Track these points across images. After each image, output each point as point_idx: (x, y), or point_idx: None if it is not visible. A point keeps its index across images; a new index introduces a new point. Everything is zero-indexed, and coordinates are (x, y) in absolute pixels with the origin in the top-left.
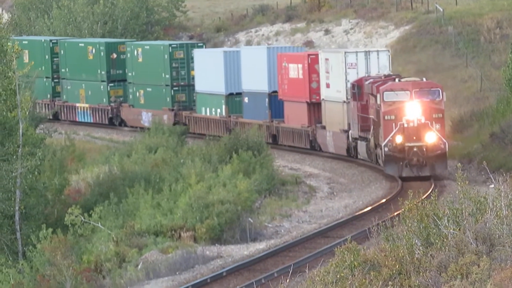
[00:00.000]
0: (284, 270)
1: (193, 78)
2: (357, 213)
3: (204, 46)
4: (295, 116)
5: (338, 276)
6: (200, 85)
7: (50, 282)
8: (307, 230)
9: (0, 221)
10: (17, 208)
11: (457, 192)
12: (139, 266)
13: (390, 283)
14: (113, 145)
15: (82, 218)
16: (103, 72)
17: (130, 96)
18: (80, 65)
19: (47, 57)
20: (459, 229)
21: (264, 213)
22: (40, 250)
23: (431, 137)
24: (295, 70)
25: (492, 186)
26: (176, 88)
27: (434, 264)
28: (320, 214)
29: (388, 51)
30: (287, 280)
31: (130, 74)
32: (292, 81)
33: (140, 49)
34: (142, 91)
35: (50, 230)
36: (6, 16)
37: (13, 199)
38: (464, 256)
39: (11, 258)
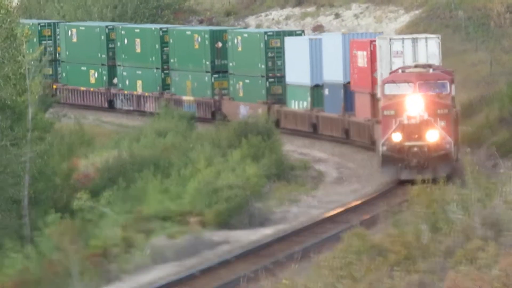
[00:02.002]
0: (291, 255)
1: None
2: (365, 199)
3: (302, 33)
4: (362, 109)
5: (345, 261)
6: (290, 76)
7: (57, 267)
8: (315, 215)
9: (8, 206)
10: (25, 193)
11: (465, 177)
12: (146, 252)
13: (396, 268)
14: (123, 130)
15: (90, 203)
16: (207, 62)
17: (231, 88)
18: (187, 55)
19: (157, 46)
20: (466, 215)
21: (272, 198)
22: (47, 235)
23: (433, 136)
24: (362, 58)
25: (502, 171)
26: (272, 79)
27: (441, 250)
28: (329, 199)
29: (438, 37)
30: (294, 266)
31: (230, 64)
32: (360, 70)
33: (239, 37)
34: (241, 83)
35: (58, 215)
36: (16, 0)
37: (21, 183)
38: (471, 242)
39: (18, 244)
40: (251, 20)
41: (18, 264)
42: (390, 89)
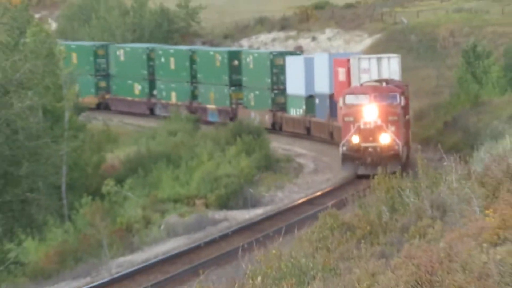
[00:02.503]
0: (277, 230)
1: None
2: (336, 186)
3: (301, 54)
4: None
5: (321, 235)
6: (290, 89)
7: (90, 240)
8: (297, 199)
9: (50, 190)
10: (63, 180)
11: (417, 169)
12: (161, 227)
13: (362, 241)
14: (141, 130)
15: (116, 188)
16: (226, 77)
17: (245, 99)
18: (211, 71)
19: (187, 64)
20: (418, 199)
21: (262, 185)
22: (82, 214)
23: (385, 139)
24: (342, 74)
25: (445, 163)
26: (276, 91)
27: (398, 227)
28: (308, 185)
29: (398, 57)
30: (280, 239)
31: (244, 79)
32: (340, 83)
33: (251, 57)
34: (252, 94)
35: (90, 198)
36: (54, 25)
37: (60, 173)
38: (422, 220)
39: (59, 221)
40: (244, 42)
41: (58, 237)
42: (350, 99)
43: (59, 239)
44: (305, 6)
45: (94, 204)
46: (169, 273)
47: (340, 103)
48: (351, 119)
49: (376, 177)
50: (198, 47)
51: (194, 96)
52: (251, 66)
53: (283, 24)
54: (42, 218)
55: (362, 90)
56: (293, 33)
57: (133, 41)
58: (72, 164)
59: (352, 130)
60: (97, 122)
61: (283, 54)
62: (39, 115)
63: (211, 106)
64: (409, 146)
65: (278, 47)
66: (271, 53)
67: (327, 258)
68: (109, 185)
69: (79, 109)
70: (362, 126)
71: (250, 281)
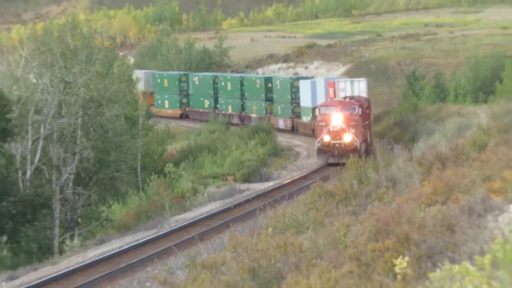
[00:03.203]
0: (286, 196)
1: None
2: (322, 166)
3: (312, 78)
4: None
5: (312, 200)
6: (302, 102)
7: (157, 204)
8: (295, 175)
9: (130, 171)
10: (138, 163)
11: (376, 154)
12: (204, 195)
13: (340, 203)
14: (190, 129)
15: (174, 169)
16: (263, 95)
17: (275, 109)
18: (253, 91)
19: (238, 86)
20: (377, 174)
21: (271, 166)
22: (151, 187)
23: (347, 137)
24: (331, 91)
25: (395, 151)
26: (295, 104)
27: (363, 194)
28: (303, 166)
29: (365, 79)
30: (285, 202)
31: (274, 96)
32: (330, 98)
33: (278, 81)
34: (279, 106)
35: (156, 175)
36: (132, 60)
37: (137, 159)
38: (380, 189)
39: (135, 191)
40: (259, 70)
41: (135, 202)
42: (323, 110)
43: (136, 203)
44: (300, 46)
45: (159, 180)
46: (210, 226)
47: (317, 112)
48: (324, 123)
49: (349, 160)
50: (245, 74)
51: (243, 108)
52: (278, 87)
53: (285, 58)
54: (125, 189)
55: (332, 103)
56: (292, 64)
57: (184, 70)
58: (144, 153)
59: (325, 131)
60: (161, 124)
61: (298, 79)
62: (122, 120)
63: (253, 115)
64: (369, 142)
65: (282, 73)
66: (291, 78)
67: (316, 215)
68: (169, 167)
69: (148, 116)
70: (331, 129)
71: (264, 231)
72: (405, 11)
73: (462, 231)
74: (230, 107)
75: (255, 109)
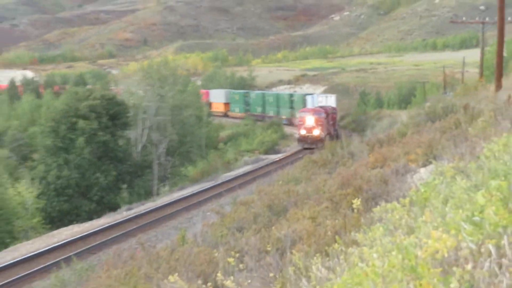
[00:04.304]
0: (289, 162)
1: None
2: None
3: (313, 94)
4: None
5: (304, 165)
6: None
7: (213, 167)
8: (294, 151)
9: (197, 147)
10: (203, 143)
11: (342, 139)
12: (241, 162)
13: (321, 167)
14: (235, 123)
15: (224, 146)
16: (288, 104)
17: (294, 113)
18: (284, 102)
19: (275, 99)
20: (342, 150)
21: (281, 144)
22: (210, 156)
23: (316, 132)
24: (317, 103)
25: (352, 137)
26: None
27: (334, 161)
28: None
29: (335, 95)
30: (288, 166)
31: (294, 105)
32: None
33: (295, 96)
34: (297, 111)
35: (212, 150)
36: (199, 83)
37: (202, 140)
38: (344, 159)
39: (201, 159)
40: (274, 89)
41: (201, 165)
42: (301, 114)
43: (201, 166)
44: (297, 75)
45: (215, 153)
46: (245, 179)
47: (297, 115)
48: (302, 122)
49: (326, 142)
50: (278, 92)
51: (278, 112)
52: (295, 100)
53: (289, 82)
54: (195, 158)
55: (307, 110)
56: (293, 85)
57: (228, 88)
58: (206, 136)
59: (302, 127)
60: (216, 120)
61: (306, 95)
62: (193, 117)
63: (283, 117)
64: (332, 134)
65: (287, 91)
66: (302, 94)
67: (306, 174)
68: (221, 145)
69: (209, 115)
70: (305, 126)
71: (276, 183)
72: (358, 55)
73: (392, 183)
74: (271, 112)
75: (284, 113)
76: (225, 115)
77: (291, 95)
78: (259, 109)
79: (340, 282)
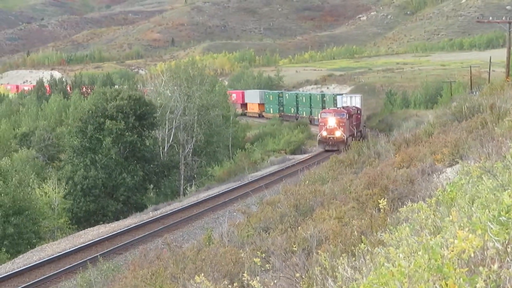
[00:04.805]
0: (315, 162)
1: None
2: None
3: (342, 95)
4: None
5: (331, 164)
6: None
7: (240, 166)
8: (321, 151)
9: (224, 147)
10: (230, 143)
11: (368, 138)
12: (268, 161)
13: (347, 167)
14: (261, 123)
15: (250, 146)
16: (320, 105)
17: (312, 114)
18: (316, 102)
19: (308, 100)
20: (369, 150)
21: (307, 144)
22: (237, 156)
23: (338, 133)
24: (345, 102)
25: (379, 136)
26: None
27: (361, 161)
28: None
29: (361, 95)
30: (315, 166)
31: (326, 105)
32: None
33: (327, 96)
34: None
35: (239, 150)
36: (226, 83)
37: (229, 140)
38: (370, 159)
39: (228, 159)
40: (300, 90)
41: (227, 165)
42: (323, 115)
43: (228, 166)
44: (324, 75)
45: (242, 152)
46: (272, 179)
47: (319, 116)
48: (323, 124)
49: (352, 142)
50: (311, 92)
51: (311, 113)
52: (327, 100)
53: (315, 82)
54: (221, 158)
55: (328, 111)
56: (319, 86)
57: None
58: (233, 136)
59: (323, 129)
60: (243, 120)
61: (337, 95)
62: (220, 117)
63: (315, 117)
64: (355, 135)
65: (314, 91)
66: (333, 94)
67: (333, 173)
68: (248, 145)
69: (235, 115)
70: (327, 127)
71: (303, 182)
72: (385, 55)
73: (418, 183)
74: (304, 112)
75: (316, 113)
76: (260, 115)
77: (323, 95)
78: (293, 110)
79: (366, 282)
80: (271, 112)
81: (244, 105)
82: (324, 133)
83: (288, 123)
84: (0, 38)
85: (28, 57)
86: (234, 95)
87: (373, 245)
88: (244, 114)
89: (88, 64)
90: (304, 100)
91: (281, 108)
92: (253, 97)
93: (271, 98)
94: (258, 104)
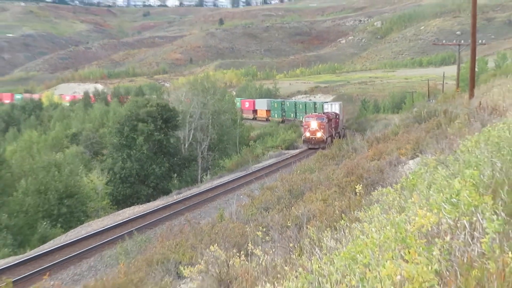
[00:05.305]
0: (305, 156)
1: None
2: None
3: (328, 102)
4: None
5: (317, 158)
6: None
7: (245, 159)
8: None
9: (232, 145)
10: (237, 141)
11: (346, 137)
12: (267, 155)
13: (330, 159)
14: (262, 125)
15: (253, 143)
16: (313, 111)
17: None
18: (310, 108)
19: (303, 107)
20: (347, 146)
21: (298, 142)
22: (243, 151)
23: (319, 134)
24: (327, 109)
25: (356, 136)
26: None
27: (341, 155)
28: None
29: (340, 103)
30: (304, 159)
31: (318, 111)
32: (327, 112)
33: (318, 104)
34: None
35: (245, 146)
36: (234, 93)
37: (236, 138)
38: (348, 153)
39: (235, 154)
40: (294, 98)
41: (235, 158)
42: (306, 119)
43: (235, 159)
44: (311, 87)
45: (246, 148)
46: (270, 170)
47: (303, 120)
48: (307, 126)
49: (331, 140)
50: (306, 101)
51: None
52: (318, 106)
53: (305, 92)
54: (230, 153)
55: (311, 116)
56: (308, 95)
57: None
58: (240, 135)
59: (307, 130)
60: (248, 123)
61: (325, 103)
62: (229, 120)
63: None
64: (334, 136)
65: (304, 100)
66: (322, 102)
67: (319, 165)
68: (251, 142)
69: (241, 118)
70: (310, 129)
71: (295, 172)
72: (360, 71)
73: (387, 172)
74: (300, 117)
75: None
76: (267, 120)
77: (314, 103)
78: (292, 115)
79: (345, 250)
80: (276, 117)
81: (255, 111)
82: (308, 134)
83: (283, 125)
84: (54, 58)
85: (76, 73)
86: (247, 103)
87: (351, 221)
88: (254, 119)
89: (124, 78)
90: (300, 107)
91: (283, 114)
92: (261, 105)
93: (275, 106)
94: (266, 110)
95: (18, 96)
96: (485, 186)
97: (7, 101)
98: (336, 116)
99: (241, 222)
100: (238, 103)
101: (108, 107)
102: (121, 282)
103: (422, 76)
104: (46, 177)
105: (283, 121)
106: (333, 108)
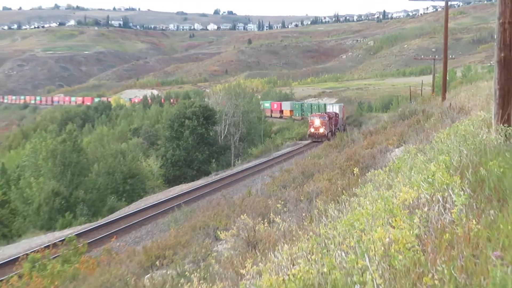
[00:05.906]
0: (314, 145)
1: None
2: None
3: (331, 104)
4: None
5: (324, 147)
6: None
7: (268, 148)
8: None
9: (258, 137)
10: (261, 134)
11: (346, 131)
12: (285, 145)
13: (334, 149)
14: (282, 121)
15: (274, 136)
16: (322, 110)
17: (304, 115)
18: (318, 108)
19: (317, 108)
20: (348, 137)
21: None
22: (266, 142)
23: (321, 130)
24: (329, 108)
25: (353, 129)
26: (325, 114)
27: (342, 145)
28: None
29: (341, 104)
30: (313, 149)
31: (326, 110)
32: (329, 111)
33: (323, 105)
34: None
35: (267, 138)
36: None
37: (261, 132)
38: (348, 143)
39: (260, 144)
40: (305, 100)
41: (260, 147)
42: (311, 117)
43: (260, 148)
44: (319, 92)
45: (269, 139)
46: (287, 156)
47: (309, 118)
48: (311, 123)
49: (337, 133)
50: (319, 103)
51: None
52: (327, 107)
53: (314, 96)
54: (256, 143)
55: (315, 115)
56: (317, 98)
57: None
58: (264, 130)
59: (311, 127)
60: (270, 119)
61: (328, 104)
62: (255, 118)
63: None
64: (334, 132)
65: (313, 102)
66: (324, 103)
67: (326, 152)
68: (273, 135)
69: (265, 117)
70: (314, 126)
71: (307, 157)
72: (357, 79)
73: (378, 158)
74: (309, 115)
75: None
76: (291, 118)
77: (325, 105)
78: (308, 114)
79: (345, 219)
80: (297, 115)
81: (281, 111)
82: (312, 130)
83: (297, 121)
84: (120, 70)
85: (137, 81)
86: (275, 105)
87: (350, 196)
88: (281, 117)
89: (174, 86)
90: (315, 108)
91: (302, 113)
92: (286, 106)
93: (297, 107)
94: (289, 110)
95: (96, 100)
96: (454, 169)
97: (88, 103)
98: (335, 115)
99: (264, 197)
100: (268, 105)
101: (162, 108)
102: (172, 243)
103: (405, 83)
104: (113, 162)
105: (302, 118)
106: (334, 108)
